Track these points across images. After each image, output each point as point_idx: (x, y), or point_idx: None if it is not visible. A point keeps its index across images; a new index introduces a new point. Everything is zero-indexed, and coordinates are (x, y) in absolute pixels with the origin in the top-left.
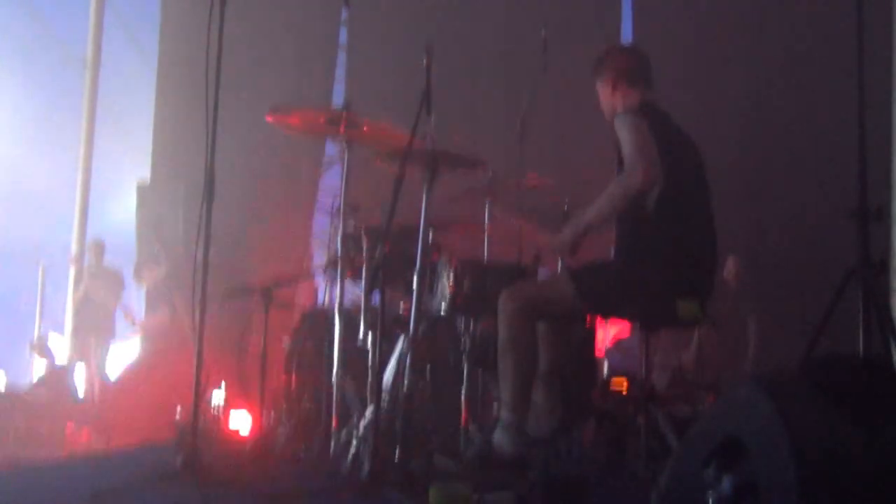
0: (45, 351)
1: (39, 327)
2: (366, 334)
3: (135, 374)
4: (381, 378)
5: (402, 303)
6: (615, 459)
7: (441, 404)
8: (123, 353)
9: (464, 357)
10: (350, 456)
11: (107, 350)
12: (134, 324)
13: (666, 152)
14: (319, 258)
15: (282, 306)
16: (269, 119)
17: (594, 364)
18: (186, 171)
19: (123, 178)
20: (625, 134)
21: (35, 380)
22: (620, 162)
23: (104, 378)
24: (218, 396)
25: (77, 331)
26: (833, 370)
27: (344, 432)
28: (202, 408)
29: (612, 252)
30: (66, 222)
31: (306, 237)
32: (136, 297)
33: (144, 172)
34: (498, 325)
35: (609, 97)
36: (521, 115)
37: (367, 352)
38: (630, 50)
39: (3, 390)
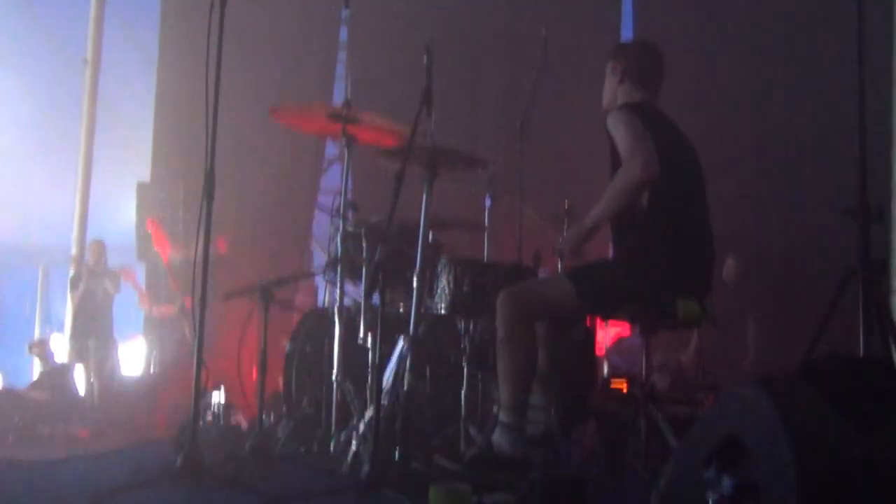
0: (44, 351)
1: (39, 328)
2: (366, 334)
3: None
4: (381, 378)
5: (401, 305)
6: (615, 459)
7: (441, 405)
8: (129, 353)
9: (464, 357)
10: (350, 456)
11: (107, 350)
12: (149, 308)
13: (658, 150)
14: (319, 258)
15: (282, 306)
16: (270, 117)
17: (594, 364)
18: (186, 171)
19: (123, 178)
20: (619, 130)
21: (34, 380)
22: (612, 160)
23: (104, 378)
24: (218, 396)
25: (76, 331)
26: (833, 370)
27: (344, 432)
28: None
29: (610, 252)
30: (66, 223)
31: (306, 237)
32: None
33: (144, 172)
34: (496, 326)
35: (613, 85)
36: (521, 115)
37: (367, 351)
38: (652, 52)
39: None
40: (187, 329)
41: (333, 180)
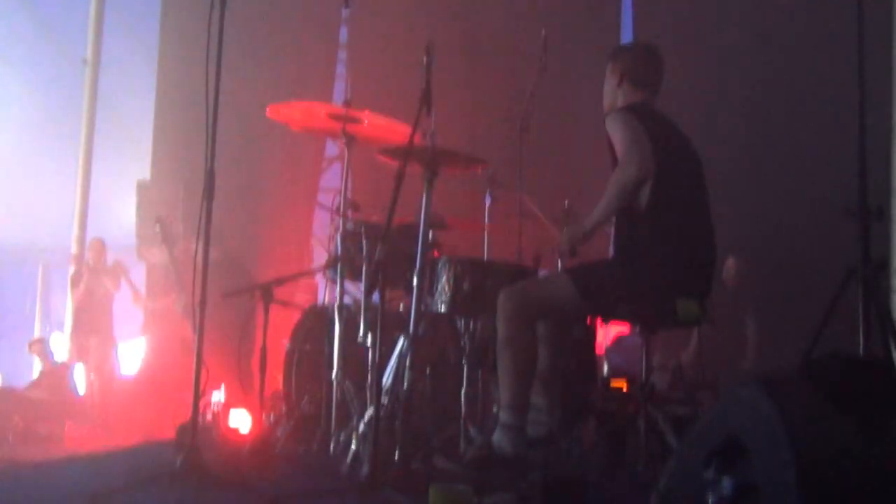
0: (44, 350)
1: (39, 327)
2: (366, 334)
3: (141, 373)
4: (381, 378)
5: (402, 303)
6: (615, 459)
7: (441, 404)
8: (130, 353)
9: (463, 356)
10: (350, 456)
11: (107, 349)
12: (140, 302)
13: (657, 150)
14: (319, 257)
15: (282, 305)
16: (270, 116)
17: (594, 364)
18: (186, 170)
19: (123, 178)
20: (617, 131)
21: (34, 379)
22: (613, 161)
23: (104, 377)
24: (218, 396)
25: (77, 330)
26: (833, 370)
27: (344, 432)
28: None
29: (611, 251)
30: (66, 222)
31: (306, 236)
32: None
33: (144, 172)
34: (497, 325)
35: (613, 87)
36: (521, 115)
37: (367, 351)
38: (651, 54)
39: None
40: (188, 327)
41: (333, 180)
